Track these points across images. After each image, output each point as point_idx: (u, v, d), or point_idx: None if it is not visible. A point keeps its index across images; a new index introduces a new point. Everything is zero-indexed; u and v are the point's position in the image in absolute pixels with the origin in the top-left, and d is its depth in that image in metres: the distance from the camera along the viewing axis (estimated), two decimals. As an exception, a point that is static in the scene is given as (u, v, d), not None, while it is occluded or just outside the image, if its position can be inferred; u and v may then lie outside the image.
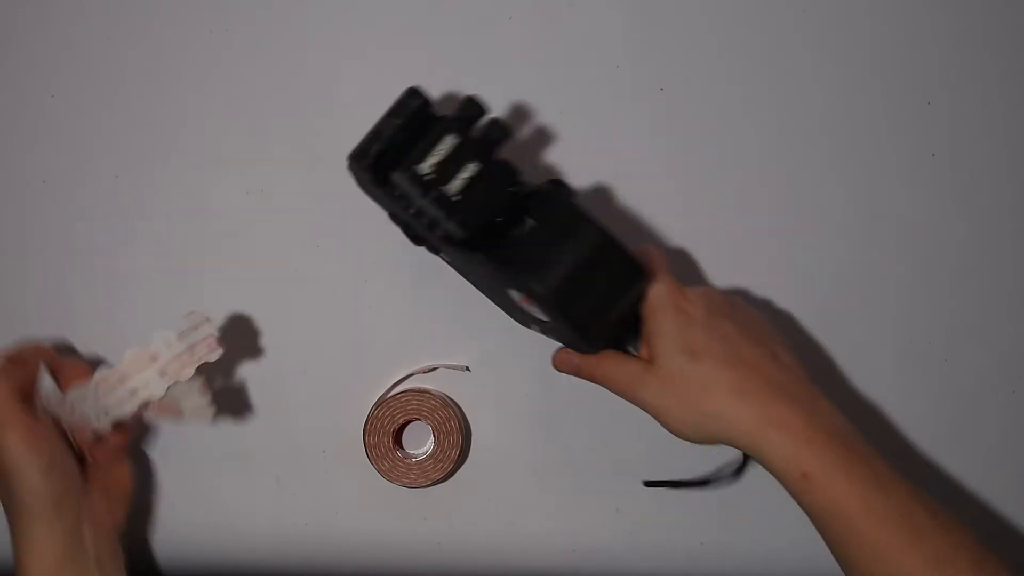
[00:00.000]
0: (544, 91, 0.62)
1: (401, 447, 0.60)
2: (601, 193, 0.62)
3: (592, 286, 0.49)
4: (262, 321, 0.62)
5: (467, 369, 0.60)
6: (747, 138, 0.62)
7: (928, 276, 0.62)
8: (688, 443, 0.50)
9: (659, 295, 0.50)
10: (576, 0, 0.62)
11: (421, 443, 0.61)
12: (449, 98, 0.62)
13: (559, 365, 0.55)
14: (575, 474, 0.61)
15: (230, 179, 0.62)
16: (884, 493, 0.45)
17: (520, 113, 0.62)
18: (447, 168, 0.47)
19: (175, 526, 0.61)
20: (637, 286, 0.50)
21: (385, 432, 0.58)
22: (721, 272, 0.62)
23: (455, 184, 0.47)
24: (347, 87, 0.62)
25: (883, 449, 0.61)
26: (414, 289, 0.60)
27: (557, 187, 0.50)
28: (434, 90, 0.62)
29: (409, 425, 0.61)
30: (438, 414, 0.58)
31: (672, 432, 0.50)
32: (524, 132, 0.62)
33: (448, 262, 0.55)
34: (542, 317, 0.51)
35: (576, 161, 0.62)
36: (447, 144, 0.47)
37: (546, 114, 0.62)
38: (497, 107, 0.62)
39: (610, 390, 0.52)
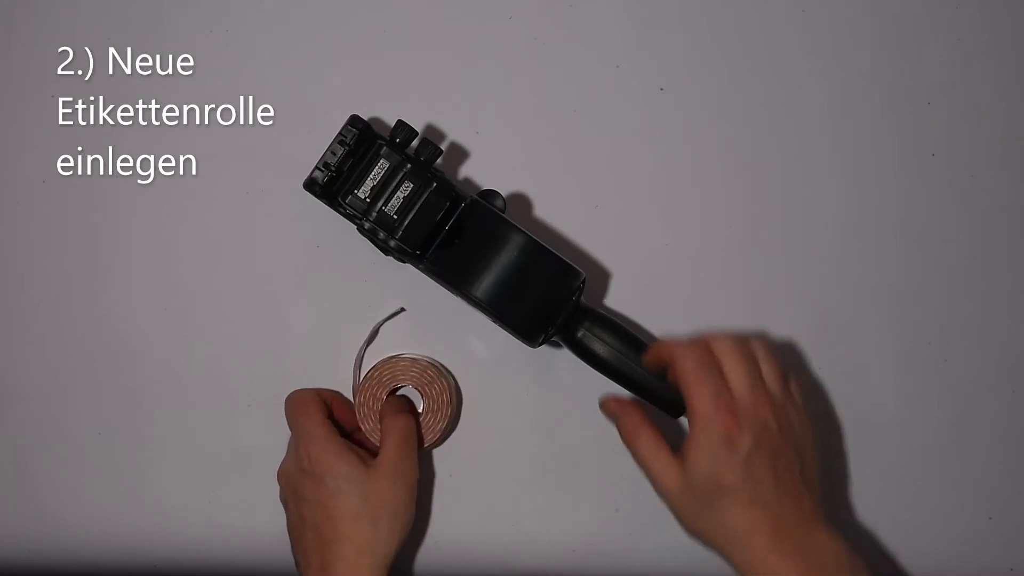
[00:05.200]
0: (544, 91, 0.62)
1: None
2: (601, 192, 0.62)
3: (527, 290, 0.54)
4: (262, 321, 0.62)
5: (403, 310, 0.61)
6: (747, 138, 0.62)
7: (928, 276, 0.62)
8: None
9: (705, 412, 0.49)
10: (576, 0, 0.63)
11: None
12: (450, 98, 0.62)
13: (604, 407, 0.55)
14: (575, 474, 0.61)
15: (230, 179, 0.62)
16: None
17: (520, 113, 0.62)
18: (384, 189, 0.53)
19: (175, 525, 0.61)
20: (576, 289, 0.55)
21: (375, 396, 0.59)
22: (721, 272, 0.62)
23: (392, 204, 0.53)
24: (347, 87, 0.62)
25: (883, 449, 0.61)
26: (413, 288, 0.60)
27: (488, 198, 0.55)
28: (435, 90, 0.62)
29: (400, 392, 0.61)
30: (430, 382, 0.59)
31: (680, 523, 0.52)
32: (524, 132, 0.62)
33: (421, 270, 0.57)
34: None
35: (576, 161, 0.62)
36: (381, 167, 0.53)
37: (546, 114, 0.62)
38: (497, 107, 0.62)
39: (635, 459, 0.52)
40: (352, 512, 0.53)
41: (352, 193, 0.53)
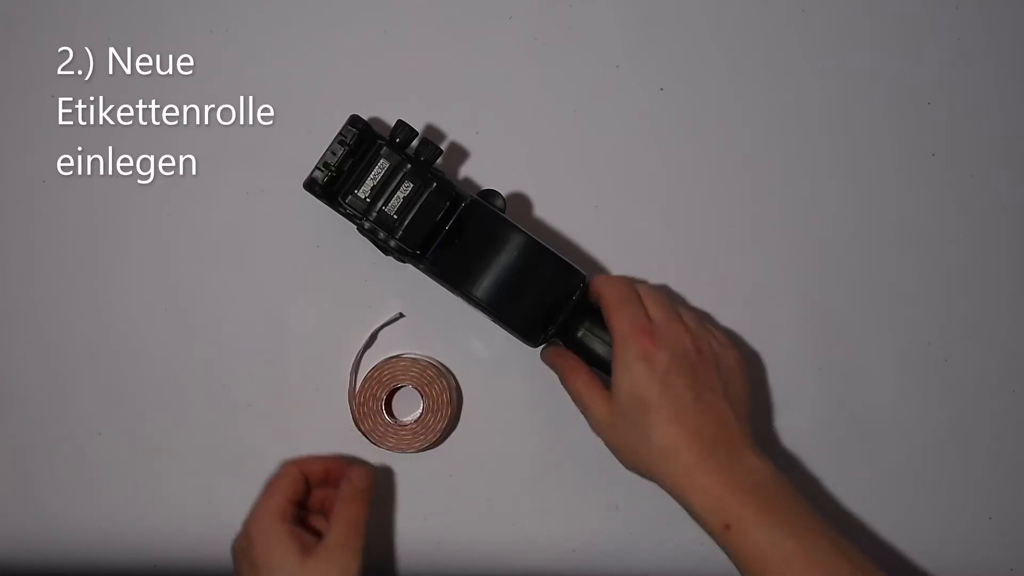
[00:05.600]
0: (544, 91, 0.62)
1: (391, 413, 0.60)
2: (601, 192, 0.62)
3: (527, 290, 0.54)
4: (262, 321, 0.62)
5: (401, 315, 0.61)
6: (747, 138, 0.62)
7: (928, 276, 0.62)
8: None
9: (624, 333, 0.52)
10: (576, 0, 0.63)
11: (413, 412, 0.61)
12: (450, 98, 0.62)
13: (544, 355, 0.58)
14: (575, 474, 0.61)
15: (230, 179, 0.62)
16: (801, 541, 0.48)
17: (520, 113, 0.62)
18: (384, 189, 0.53)
19: (175, 525, 0.61)
20: (576, 289, 0.55)
21: (375, 396, 0.59)
22: (721, 272, 0.62)
23: (392, 204, 0.53)
24: (347, 87, 0.62)
25: (883, 449, 0.61)
26: (413, 288, 0.60)
27: (488, 197, 0.55)
28: (435, 90, 0.62)
29: (401, 392, 0.61)
30: (430, 382, 0.59)
31: (614, 454, 0.53)
32: (524, 132, 0.62)
33: (421, 270, 0.56)
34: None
35: (576, 161, 0.62)
36: (381, 167, 0.53)
37: (546, 114, 0.62)
38: (496, 107, 0.62)
39: (573, 400, 0.55)
40: None
41: (352, 193, 0.53)
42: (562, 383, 0.56)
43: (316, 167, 0.53)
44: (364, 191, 0.53)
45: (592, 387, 0.54)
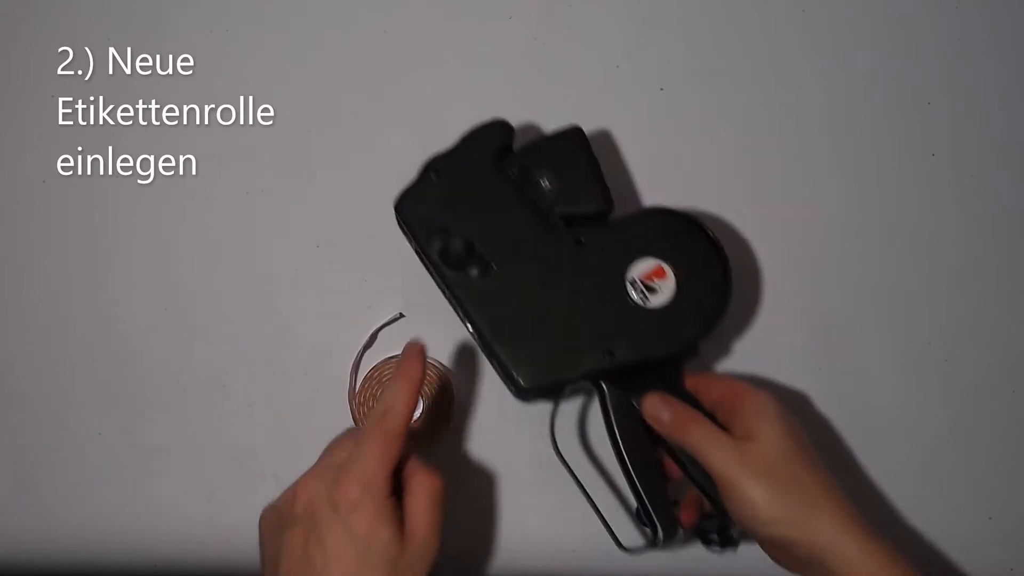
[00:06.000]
0: (544, 91, 0.62)
1: None
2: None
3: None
4: (262, 321, 0.62)
5: (401, 315, 0.61)
6: (746, 138, 0.62)
7: (928, 276, 0.62)
8: None
9: (757, 389, 0.51)
10: (576, 0, 0.63)
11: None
12: (450, 98, 0.62)
13: (649, 406, 0.52)
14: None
15: (230, 179, 0.62)
16: None
17: (520, 113, 0.62)
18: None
19: (174, 525, 0.61)
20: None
21: (375, 396, 0.59)
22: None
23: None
24: (347, 87, 0.62)
25: (883, 449, 0.61)
26: (413, 289, 0.60)
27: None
28: (435, 90, 0.62)
29: None
30: (430, 382, 0.59)
31: (750, 516, 0.48)
32: (523, 131, 0.62)
33: (456, 298, 0.54)
34: (646, 303, 0.52)
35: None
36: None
37: (546, 114, 0.62)
38: (496, 106, 0.62)
39: (694, 455, 0.49)
40: None
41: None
42: (677, 434, 0.50)
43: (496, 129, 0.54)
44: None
45: (724, 433, 0.49)
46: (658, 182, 0.62)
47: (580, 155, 0.53)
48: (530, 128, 0.62)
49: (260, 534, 0.49)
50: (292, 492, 0.47)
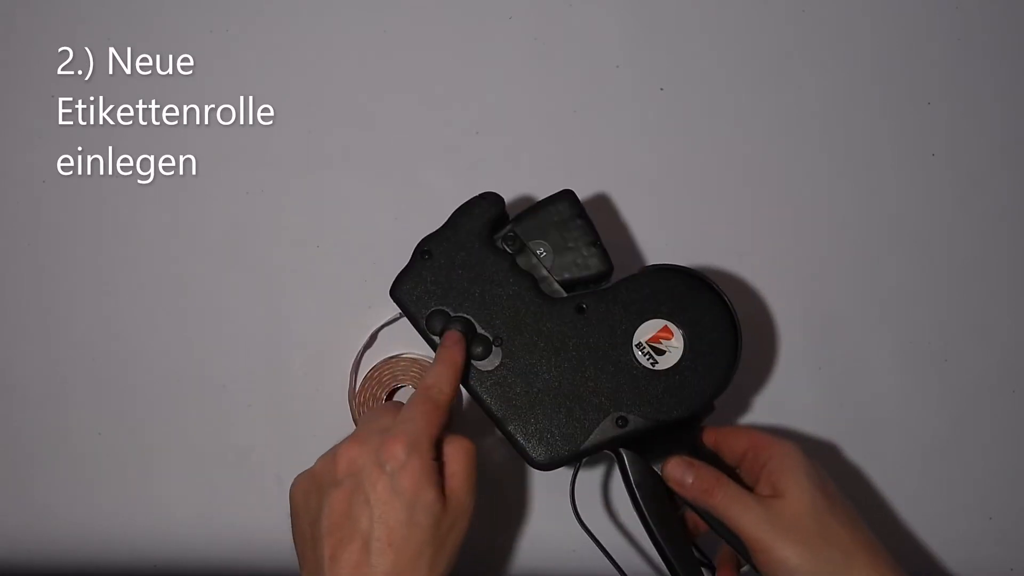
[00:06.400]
0: (544, 91, 0.62)
1: None
2: (601, 192, 0.62)
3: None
4: (262, 321, 0.62)
5: (401, 315, 0.60)
6: (747, 138, 0.62)
7: (928, 276, 0.62)
8: None
9: (783, 441, 0.50)
10: (576, 0, 0.63)
11: None
12: (450, 98, 0.62)
13: (671, 471, 0.51)
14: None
15: (230, 179, 0.62)
16: None
17: (519, 113, 0.62)
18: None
19: (174, 525, 0.61)
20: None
21: (375, 396, 0.59)
22: (721, 271, 0.62)
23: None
24: (347, 87, 0.62)
25: (883, 450, 0.61)
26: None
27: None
28: (435, 90, 0.62)
29: (400, 392, 0.61)
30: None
31: (776, 574, 0.47)
32: (524, 132, 0.62)
33: (463, 380, 0.52)
34: (655, 365, 0.51)
35: (576, 161, 0.62)
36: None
37: (546, 114, 0.62)
38: (496, 107, 0.62)
39: (721, 518, 0.49)
40: (414, 551, 0.45)
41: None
42: (702, 498, 0.49)
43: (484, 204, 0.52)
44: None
45: (751, 494, 0.48)
46: (658, 182, 0.62)
47: (574, 221, 0.52)
48: (531, 127, 0.62)
49: (293, 502, 0.49)
50: (332, 457, 0.47)
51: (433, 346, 0.52)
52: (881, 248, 0.62)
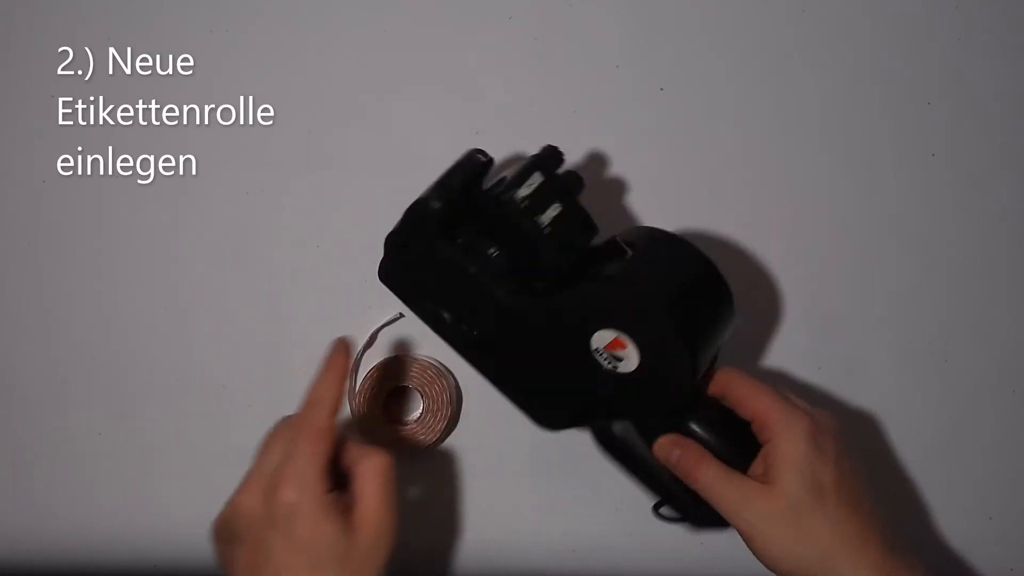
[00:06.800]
0: (544, 91, 0.62)
1: (391, 413, 0.61)
2: (601, 193, 0.62)
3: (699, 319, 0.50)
4: (262, 321, 0.62)
5: (401, 316, 0.60)
6: (747, 138, 0.62)
7: (927, 276, 0.62)
8: None
9: (783, 412, 0.48)
10: (576, 0, 0.63)
11: (413, 412, 0.61)
12: (450, 98, 0.62)
13: (659, 450, 0.51)
14: (575, 474, 0.61)
15: (230, 179, 0.62)
16: None
17: (520, 113, 0.62)
18: (537, 201, 0.48)
19: (174, 525, 0.61)
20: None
21: (375, 396, 0.59)
22: (720, 271, 0.62)
23: (545, 217, 0.48)
24: (347, 87, 0.62)
25: (883, 449, 0.61)
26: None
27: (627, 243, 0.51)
28: (435, 90, 0.62)
29: (400, 392, 0.61)
30: (430, 382, 0.59)
31: (762, 558, 0.48)
32: (524, 132, 0.62)
33: (474, 356, 0.53)
34: (616, 369, 0.49)
35: (576, 161, 0.62)
36: (536, 180, 0.48)
37: (546, 114, 0.62)
38: (496, 107, 0.62)
39: (705, 497, 0.49)
40: None
41: (509, 194, 0.47)
42: (687, 477, 0.49)
43: (432, 191, 0.48)
44: (520, 195, 0.47)
45: (735, 476, 0.48)
46: (658, 182, 0.62)
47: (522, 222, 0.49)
48: (531, 127, 0.62)
49: (214, 548, 0.48)
50: (232, 508, 0.47)
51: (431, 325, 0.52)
52: (881, 248, 0.62)
